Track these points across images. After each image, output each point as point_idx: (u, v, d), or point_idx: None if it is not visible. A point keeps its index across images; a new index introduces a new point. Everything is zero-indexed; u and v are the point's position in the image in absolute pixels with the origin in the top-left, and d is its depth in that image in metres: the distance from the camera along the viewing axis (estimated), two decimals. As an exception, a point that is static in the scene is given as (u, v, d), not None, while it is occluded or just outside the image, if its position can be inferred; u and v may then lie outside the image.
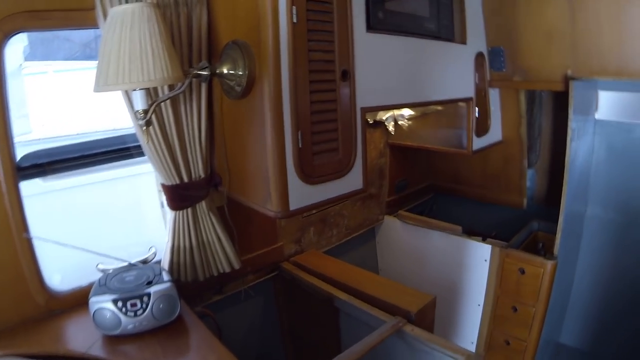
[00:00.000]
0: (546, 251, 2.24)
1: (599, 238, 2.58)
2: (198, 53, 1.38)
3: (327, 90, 1.34)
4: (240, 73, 1.27)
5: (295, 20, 1.19)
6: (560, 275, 2.09)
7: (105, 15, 1.21)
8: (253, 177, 1.38)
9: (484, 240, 2.27)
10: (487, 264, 2.22)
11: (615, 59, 1.87)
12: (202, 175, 1.48)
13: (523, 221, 2.63)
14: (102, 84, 1.04)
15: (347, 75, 1.37)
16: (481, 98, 2.13)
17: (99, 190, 1.82)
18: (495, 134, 2.39)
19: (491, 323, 2.24)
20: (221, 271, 1.62)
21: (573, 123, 1.90)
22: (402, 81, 1.64)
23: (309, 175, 1.33)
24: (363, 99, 1.45)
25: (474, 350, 2.31)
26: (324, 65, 1.31)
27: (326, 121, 1.35)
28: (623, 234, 2.58)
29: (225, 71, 1.31)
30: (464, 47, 1.94)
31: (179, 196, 1.44)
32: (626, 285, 2.67)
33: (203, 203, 1.50)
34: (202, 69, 1.31)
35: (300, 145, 1.27)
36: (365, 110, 1.48)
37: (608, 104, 2.07)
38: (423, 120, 2.39)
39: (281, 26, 1.17)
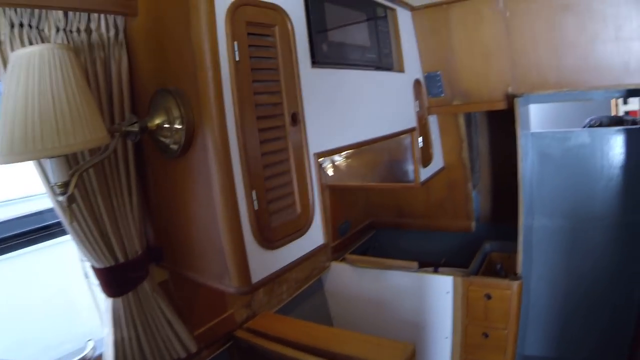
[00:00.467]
0: (506, 271, 2.22)
1: (550, 247, 2.63)
2: (120, 105, 1.17)
3: (277, 139, 1.18)
4: (178, 127, 1.07)
5: (237, 58, 1.03)
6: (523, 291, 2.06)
7: (5, 63, 0.96)
8: (202, 249, 1.17)
9: (435, 270, 2.20)
10: (449, 296, 2.14)
11: (554, 72, 1.92)
12: (139, 251, 1.24)
13: (472, 244, 2.62)
14: (7, 154, 0.80)
15: (297, 118, 1.23)
16: (422, 126, 2.09)
17: (11, 269, 1.47)
18: (438, 161, 2.37)
19: (463, 353, 2.15)
20: (176, 357, 1.36)
21: (522, 139, 1.91)
22: (352, 118, 1.53)
23: (268, 240, 1.15)
24: (315, 144, 1.31)
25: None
26: (271, 110, 1.15)
27: (279, 174, 1.19)
28: (572, 239, 2.65)
29: (158, 125, 1.11)
30: (403, 75, 1.89)
31: (116, 280, 1.19)
32: (582, 287, 2.75)
33: (145, 284, 1.25)
34: (131, 124, 1.08)
35: (256, 207, 1.09)
36: (319, 156, 1.34)
37: (541, 116, 2.12)
38: (361, 156, 2.30)
39: (222, 66, 1.00)
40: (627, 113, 4.51)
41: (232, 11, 1.03)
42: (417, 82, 2.02)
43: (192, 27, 1.00)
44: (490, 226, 2.66)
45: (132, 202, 1.21)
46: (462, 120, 2.35)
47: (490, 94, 2.03)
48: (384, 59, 1.72)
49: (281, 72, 1.17)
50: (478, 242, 2.59)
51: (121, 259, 1.19)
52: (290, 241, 1.23)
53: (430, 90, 2.10)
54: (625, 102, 4.66)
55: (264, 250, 1.13)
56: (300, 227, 1.27)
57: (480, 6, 1.96)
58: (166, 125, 1.09)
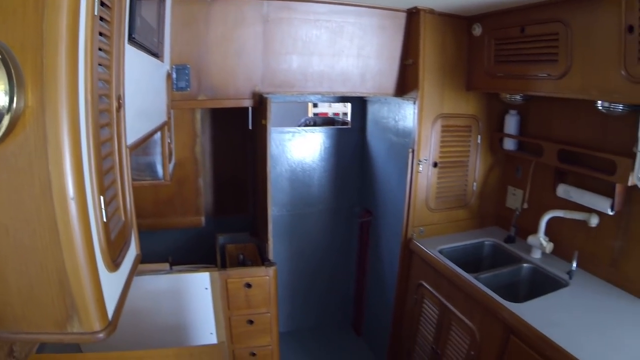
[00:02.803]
0: (250, 259, 2.37)
1: (280, 231, 3.00)
2: None
3: (107, 126, 0.90)
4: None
5: (96, 12, 0.74)
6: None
7: None
8: (19, 288, 0.76)
9: (172, 269, 2.13)
10: (208, 292, 2.13)
11: (300, 76, 2.18)
12: None
13: (203, 239, 2.66)
14: None
15: (121, 103, 0.97)
16: (169, 121, 1.96)
17: None
18: (173, 156, 2.26)
19: (230, 344, 2.19)
20: None
21: (273, 135, 2.08)
22: (147, 108, 1.31)
23: (113, 259, 0.87)
24: (128, 134, 1.07)
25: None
26: (104, 90, 0.87)
27: (108, 172, 0.92)
28: (295, 225, 3.11)
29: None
30: (163, 65, 1.72)
31: None
32: (309, 263, 3.27)
33: None
34: None
35: (104, 219, 0.82)
36: (131, 149, 1.10)
37: (273, 114, 2.36)
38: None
39: (81, 16, 0.70)
40: (316, 114, 5.53)
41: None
42: (168, 75, 1.87)
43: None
44: (216, 220, 2.76)
45: None
46: (199, 116, 2.33)
47: (238, 91, 2.11)
48: (159, 45, 1.52)
49: (113, 42, 0.90)
50: (209, 236, 2.65)
51: None
52: (124, 257, 0.97)
53: (177, 83, 1.99)
54: (315, 106, 5.70)
55: (109, 273, 0.86)
56: (126, 238, 1.02)
57: (246, 7, 2.02)
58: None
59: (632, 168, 1.75)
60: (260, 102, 2.14)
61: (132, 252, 1.11)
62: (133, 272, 1.07)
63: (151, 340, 1.94)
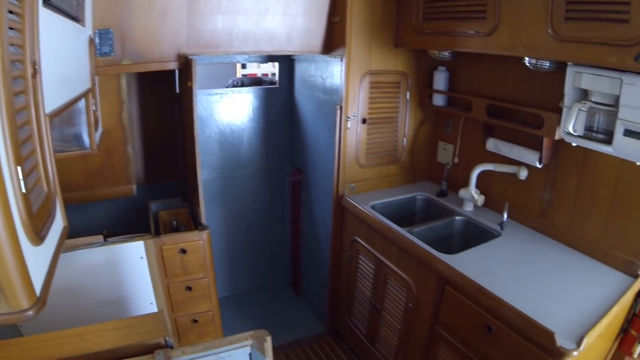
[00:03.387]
0: (183, 225, 2.36)
1: (213, 196, 2.97)
2: None
3: (22, 93, 0.86)
4: None
5: None
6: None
7: None
8: None
9: (106, 241, 2.09)
10: (144, 261, 2.12)
11: (225, 36, 2.12)
12: None
13: (137, 208, 2.61)
14: None
15: (37, 69, 0.92)
16: (93, 88, 1.86)
17: None
18: (100, 125, 2.17)
19: (171, 313, 2.20)
20: None
21: (200, 97, 2.03)
22: (70, 72, 1.25)
23: (36, 232, 0.86)
24: (48, 101, 1.02)
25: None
26: (17, 55, 0.83)
27: (26, 141, 0.89)
28: (227, 187, 3.08)
29: None
30: (84, 29, 1.62)
31: None
32: (243, 225, 3.27)
33: None
34: None
35: (24, 189, 0.79)
36: (51, 117, 1.05)
37: (200, 76, 2.30)
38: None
39: None
40: (245, 75, 5.37)
41: None
42: (91, 40, 1.76)
43: None
44: (148, 187, 2.69)
45: None
46: (124, 82, 2.23)
47: (163, 54, 2.04)
48: (79, 8, 1.43)
49: (25, 4, 0.84)
50: (142, 204, 2.60)
51: None
52: (49, 229, 0.95)
53: (100, 49, 1.88)
54: (243, 67, 5.52)
55: (34, 247, 0.85)
56: (50, 209, 1.00)
57: (169, -33, 1.92)
58: None
59: (558, 122, 1.85)
60: (186, 64, 2.09)
61: (59, 224, 1.08)
62: (61, 245, 1.05)
63: (91, 316, 1.89)
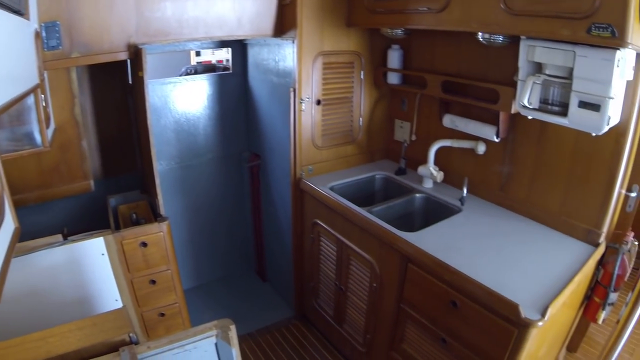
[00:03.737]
0: (143, 218, 2.33)
1: (170, 186, 2.93)
2: None
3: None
4: None
5: None
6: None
7: None
8: None
9: (65, 240, 2.04)
10: (106, 257, 2.09)
11: (175, 24, 2.11)
12: None
13: (95, 203, 2.56)
14: None
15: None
16: (42, 83, 1.80)
17: None
18: (52, 121, 2.10)
19: (137, 308, 2.19)
20: None
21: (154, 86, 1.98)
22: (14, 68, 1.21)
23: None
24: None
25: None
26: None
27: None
28: (184, 177, 3.05)
29: None
30: (28, 23, 1.56)
31: None
32: (204, 215, 3.25)
33: None
34: None
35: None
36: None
37: (153, 66, 2.25)
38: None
39: None
40: (199, 63, 5.27)
41: None
42: (37, 33, 1.70)
43: None
44: (106, 182, 2.64)
45: None
46: (74, 75, 2.16)
47: (112, 44, 1.99)
48: (22, 1, 1.37)
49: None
50: (101, 200, 2.55)
51: None
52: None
53: (47, 42, 1.81)
54: (198, 54, 5.40)
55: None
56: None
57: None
58: None
59: (514, 96, 1.89)
60: (136, 54, 2.05)
61: (9, 225, 1.07)
62: (12, 247, 1.04)
63: (57, 318, 1.81)
